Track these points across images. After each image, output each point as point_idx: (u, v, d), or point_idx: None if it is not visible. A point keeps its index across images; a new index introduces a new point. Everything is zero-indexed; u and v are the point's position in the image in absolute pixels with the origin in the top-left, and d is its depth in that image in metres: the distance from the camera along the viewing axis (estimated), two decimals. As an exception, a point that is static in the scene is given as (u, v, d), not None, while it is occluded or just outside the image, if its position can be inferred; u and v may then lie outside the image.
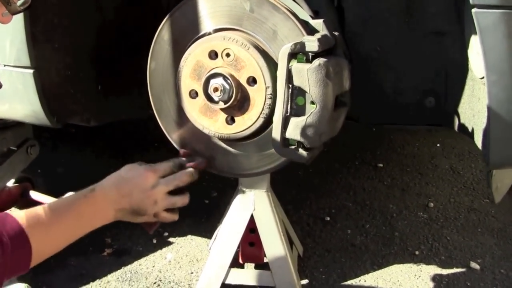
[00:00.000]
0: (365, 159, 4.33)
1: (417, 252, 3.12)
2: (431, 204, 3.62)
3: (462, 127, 2.23)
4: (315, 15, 2.26)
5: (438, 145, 4.59)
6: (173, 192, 1.98)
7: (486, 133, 1.83)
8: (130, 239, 3.26)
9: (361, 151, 4.45)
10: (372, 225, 3.39)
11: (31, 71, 2.31)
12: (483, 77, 1.77)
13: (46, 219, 1.74)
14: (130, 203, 1.90)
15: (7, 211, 2.78)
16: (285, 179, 3.88)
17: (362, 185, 3.90)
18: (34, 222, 1.70)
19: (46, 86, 2.38)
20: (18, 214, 1.69)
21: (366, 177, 4.03)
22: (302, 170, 4.07)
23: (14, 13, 1.63)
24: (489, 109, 1.77)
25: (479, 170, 4.08)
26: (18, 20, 2.20)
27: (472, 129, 2.12)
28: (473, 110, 2.09)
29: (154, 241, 3.25)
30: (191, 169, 2.05)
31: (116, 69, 2.68)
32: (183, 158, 2.14)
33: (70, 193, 1.92)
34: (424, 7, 2.27)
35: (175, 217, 2.05)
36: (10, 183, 3.06)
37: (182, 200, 2.02)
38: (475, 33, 1.73)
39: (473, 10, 1.69)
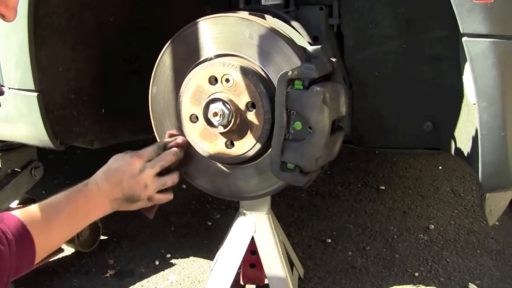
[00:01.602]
0: (367, 181, 4.35)
1: (416, 274, 3.13)
2: (432, 226, 3.64)
3: (459, 151, 2.26)
4: (315, 41, 2.30)
5: (440, 167, 4.62)
6: (162, 174, 2.03)
7: (478, 157, 1.87)
8: (132, 260, 3.28)
9: (363, 174, 4.48)
10: (373, 247, 3.41)
11: (35, 94, 2.33)
12: (475, 103, 1.81)
13: (46, 216, 1.78)
14: (122, 191, 1.96)
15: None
16: (288, 202, 3.92)
17: (364, 207, 3.92)
18: (35, 219, 1.74)
19: (50, 109, 2.41)
20: (18, 212, 1.73)
21: (368, 199, 4.05)
22: (305, 192, 4.09)
23: None
24: (481, 134, 1.81)
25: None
26: (23, 43, 2.24)
27: (468, 153, 2.15)
28: (468, 135, 2.12)
29: (157, 262, 3.27)
30: (174, 148, 2.10)
31: (119, 92, 2.72)
32: (167, 139, 2.18)
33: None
34: (422, 34, 2.31)
35: (169, 196, 2.10)
36: (14, 204, 3.09)
37: (172, 179, 2.07)
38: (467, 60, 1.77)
39: (463, 38, 1.72)
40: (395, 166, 4.65)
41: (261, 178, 2.17)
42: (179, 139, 2.15)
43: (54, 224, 1.80)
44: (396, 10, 2.32)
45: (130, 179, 1.96)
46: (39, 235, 1.72)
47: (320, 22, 2.38)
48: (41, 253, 1.74)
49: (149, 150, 2.06)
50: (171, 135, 2.20)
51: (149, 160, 2.02)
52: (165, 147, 2.11)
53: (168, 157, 2.06)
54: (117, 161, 2.01)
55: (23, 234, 1.69)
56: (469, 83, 1.96)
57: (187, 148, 2.19)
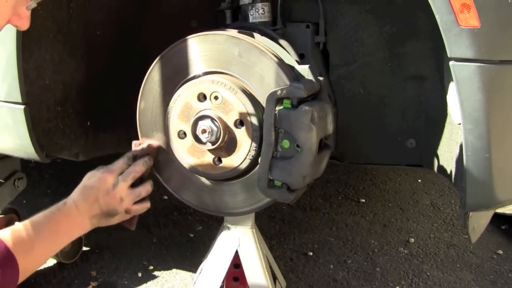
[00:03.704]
0: (348, 194, 4.38)
1: (397, 288, 3.17)
2: (412, 240, 3.67)
3: (441, 169, 2.29)
4: (301, 58, 2.33)
5: (419, 180, 4.65)
6: (135, 184, 2.08)
7: (462, 177, 1.90)
8: (115, 272, 3.28)
9: (344, 187, 4.51)
10: (354, 261, 3.43)
11: (22, 107, 2.33)
12: (460, 123, 1.84)
13: (28, 236, 1.81)
14: (100, 208, 2.00)
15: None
16: (269, 214, 3.93)
17: (345, 220, 3.94)
18: (18, 241, 1.77)
19: (36, 121, 2.41)
20: (1, 234, 1.75)
21: (348, 212, 4.07)
22: (286, 205, 4.10)
23: (39, 3, 1.69)
24: (465, 155, 1.84)
25: (458, 206, 4.13)
26: (10, 56, 2.24)
27: (451, 172, 2.19)
28: (452, 153, 2.15)
29: (139, 274, 3.26)
30: (144, 157, 2.13)
31: (105, 105, 2.73)
32: (135, 149, 2.21)
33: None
34: (406, 53, 2.34)
35: (146, 205, 2.16)
36: (-4, 215, 3.08)
37: (145, 189, 2.12)
38: (452, 80, 1.80)
39: (451, 62, 1.76)
40: (375, 179, 4.68)
41: (248, 194, 2.19)
42: (146, 147, 2.18)
43: (37, 245, 1.83)
44: (381, 29, 2.35)
45: (105, 195, 2.01)
46: (22, 256, 1.75)
47: (306, 39, 2.40)
48: (24, 273, 1.76)
49: (119, 163, 2.10)
50: (137, 145, 2.23)
51: (121, 173, 2.06)
52: (135, 158, 2.14)
53: (138, 168, 2.10)
54: (90, 179, 2.05)
55: (7, 257, 1.71)
56: (453, 103, 2.00)
57: (156, 154, 2.21)
